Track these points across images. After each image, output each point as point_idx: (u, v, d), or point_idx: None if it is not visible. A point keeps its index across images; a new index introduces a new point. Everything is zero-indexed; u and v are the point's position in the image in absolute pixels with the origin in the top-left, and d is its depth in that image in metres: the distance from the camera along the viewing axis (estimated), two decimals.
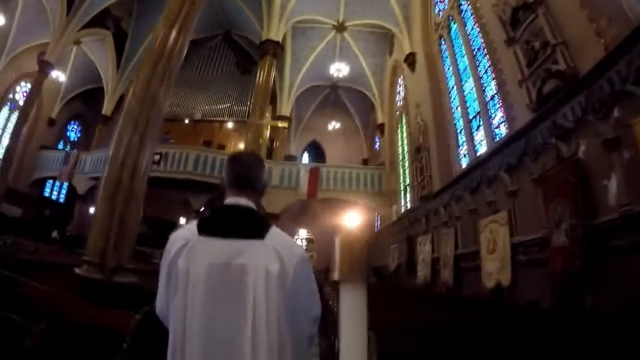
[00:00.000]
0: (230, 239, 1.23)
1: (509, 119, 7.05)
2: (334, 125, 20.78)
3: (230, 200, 1.35)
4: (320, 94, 21.62)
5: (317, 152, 22.92)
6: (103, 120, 19.30)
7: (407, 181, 13.91)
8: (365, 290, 0.73)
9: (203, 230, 1.26)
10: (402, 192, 14.42)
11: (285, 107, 18.30)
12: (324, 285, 9.81)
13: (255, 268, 1.19)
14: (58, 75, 17.46)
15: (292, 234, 19.27)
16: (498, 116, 7.84)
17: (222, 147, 18.21)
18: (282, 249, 1.24)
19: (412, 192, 12.27)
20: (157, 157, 14.95)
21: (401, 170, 14.92)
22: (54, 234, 15.99)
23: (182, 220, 17.32)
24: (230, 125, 19.58)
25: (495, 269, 6.35)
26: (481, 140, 8.54)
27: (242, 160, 1.46)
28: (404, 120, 15.13)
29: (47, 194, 19.88)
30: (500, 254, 6.30)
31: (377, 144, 20.33)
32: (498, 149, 7.03)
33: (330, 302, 4.39)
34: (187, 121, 19.47)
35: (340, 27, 17.15)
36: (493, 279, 6.35)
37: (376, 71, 18.59)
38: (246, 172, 1.41)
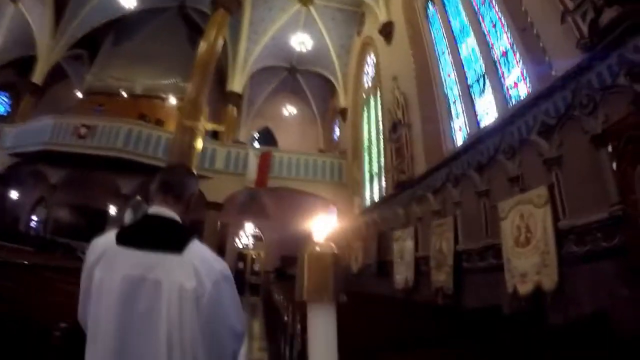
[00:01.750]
0: (147, 251, 1.15)
1: (537, 71, 5.32)
2: (290, 111, 18.63)
3: (152, 209, 1.28)
4: (277, 77, 19.58)
5: (269, 140, 20.50)
6: (32, 89, 15.94)
7: (375, 169, 12.08)
8: (335, 311, 0.67)
9: (121, 239, 1.18)
10: (368, 181, 12.55)
11: (238, 82, 15.78)
12: (272, 289, 8.23)
13: (169, 283, 1.12)
14: None
15: (237, 227, 16.74)
16: (514, 74, 6.14)
17: (160, 123, 15.32)
18: (201, 265, 1.16)
19: (386, 179, 10.41)
20: (83, 129, 12.13)
21: (367, 158, 13.08)
22: None
23: (113, 209, 14.75)
24: (174, 102, 16.75)
25: (531, 267, 4.49)
26: (487, 108, 6.81)
27: (169, 168, 1.53)
28: (372, 102, 13.38)
29: None
30: (540, 246, 4.46)
31: (336, 133, 18.51)
32: (522, 109, 5.28)
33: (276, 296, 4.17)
34: (124, 94, 16.47)
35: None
36: (529, 281, 4.48)
37: (341, 54, 16.69)
38: (172, 178, 1.35)
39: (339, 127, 17.43)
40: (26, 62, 16.84)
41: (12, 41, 16.31)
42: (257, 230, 17.70)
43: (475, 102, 7.23)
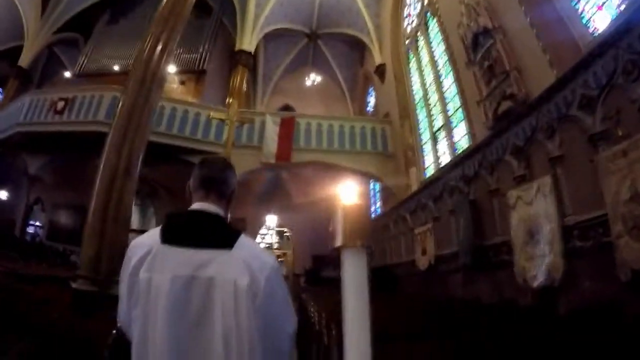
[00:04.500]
0: (196, 249, 1.10)
1: None
2: (312, 83, 15.58)
3: (195, 205, 1.22)
4: (296, 46, 16.70)
5: None
6: (17, 72, 14.35)
7: (438, 124, 8.77)
8: (366, 256, 0.71)
9: (166, 238, 1.13)
10: (428, 144, 9.25)
11: (248, 41, 12.74)
12: (304, 297, 7.34)
13: (222, 281, 1.07)
14: None
15: (257, 222, 13.73)
16: None
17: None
18: (252, 260, 1.11)
19: (470, 123, 7.06)
20: (60, 103, 10.38)
21: (423, 115, 9.79)
22: None
23: None
24: (174, 75, 14.01)
25: None
26: None
27: (209, 162, 1.33)
28: (420, 43, 10.15)
29: None
30: None
31: (370, 103, 15.31)
32: None
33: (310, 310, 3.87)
34: (117, 69, 14.03)
35: None
36: None
37: (370, 3, 13.58)
38: (213, 173, 1.29)
39: (375, 92, 14.17)
40: (21, 52, 15.01)
41: (3, 30, 14.97)
42: (281, 225, 14.63)
43: None
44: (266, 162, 9.85)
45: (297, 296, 11.69)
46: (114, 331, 1.96)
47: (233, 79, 11.51)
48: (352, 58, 16.51)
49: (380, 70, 12.73)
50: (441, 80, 8.77)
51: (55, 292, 3.86)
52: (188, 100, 12.03)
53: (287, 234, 15.29)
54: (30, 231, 15.26)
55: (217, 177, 1.26)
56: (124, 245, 3.74)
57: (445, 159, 8.26)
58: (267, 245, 14.86)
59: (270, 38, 15.67)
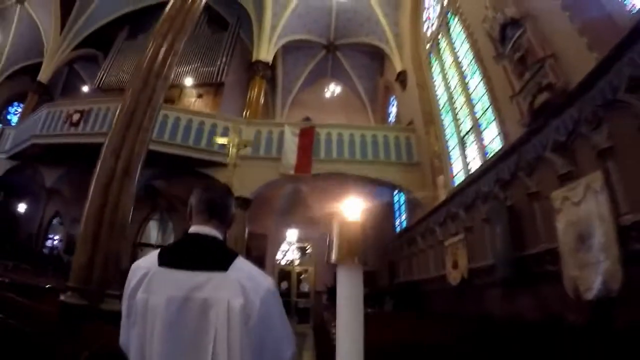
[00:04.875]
0: (191, 271, 1.13)
1: None
2: (332, 91, 15.33)
3: (193, 228, 1.27)
4: (314, 58, 16.59)
5: None
6: (37, 87, 14.76)
7: (467, 127, 8.24)
8: (362, 273, 0.71)
9: (163, 260, 1.16)
10: (456, 148, 8.69)
11: (265, 51, 12.64)
12: (322, 311, 7.32)
13: (216, 302, 1.09)
14: None
15: (278, 238, 13.34)
16: None
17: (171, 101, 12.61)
18: (247, 282, 1.13)
19: (502, 122, 6.50)
20: (76, 115, 10.55)
21: (448, 120, 9.28)
22: None
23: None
24: (192, 89, 14.08)
25: None
26: None
27: (212, 188, 1.39)
28: (442, 45, 9.72)
29: None
30: None
31: (392, 113, 14.90)
32: None
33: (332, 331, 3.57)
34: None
35: None
36: None
37: (388, 12, 13.31)
38: (217, 199, 1.33)
39: (397, 102, 13.74)
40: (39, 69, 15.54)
41: (22, 45, 15.48)
42: (302, 240, 14.16)
43: None
44: (285, 173, 9.51)
45: (318, 313, 11.18)
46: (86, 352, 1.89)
47: (251, 90, 11.35)
48: (371, 69, 16.33)
49: (401, 77, 12.33)
50: (466, 81, 8.29)
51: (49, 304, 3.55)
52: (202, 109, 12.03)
53: (309, 251, 14.81)
54: (49, 245, 15.44)
55: (220, 203, 1.30)
56: (120, 253, 3.43)
57: (475, 164, 7.69)
58: (288, 262, 14.43)
59: (288, 51, 15.69)
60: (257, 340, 1.09)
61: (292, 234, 12.06)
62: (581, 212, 3.96)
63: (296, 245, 13.52)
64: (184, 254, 1.17)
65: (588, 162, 4.17)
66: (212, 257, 1.17)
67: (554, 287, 4.44)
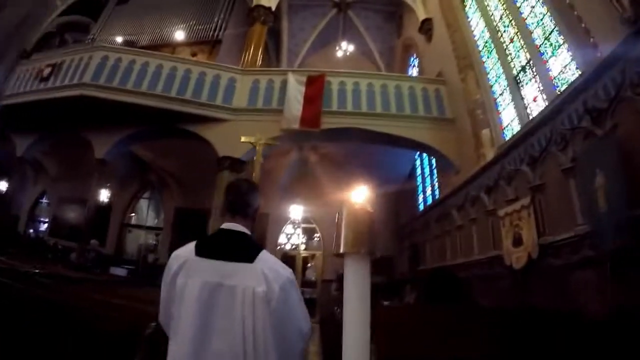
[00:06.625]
0: (223, 261, 1.37)
1: None
2: (344, 50, 13.46)
3: (225, 225, 1.50)
4: (323, 18, 14.71)
5: None
6: (21, 54, 12.49)
7: (522, 61, 6.28)
8: (369, 263, 0.68)
9: (199, 251, 1.40)
10: (509, 91, 6.72)
11: None
12: (331, 304, 6.67)
13: (243, 289, 1.32)
14: None
15: (280, 218, 11.57)
16: None
17: None
18: (269, 272, 1.36)
19: (572, 40, 4.53)
20: (47, 70, 8.99)
21: (491, 61, 7.33)
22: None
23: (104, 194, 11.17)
24: (185, 47, 12.23)
25: None
26: None
27: (235, 187, 1.62)
28: None
29: None
30: None
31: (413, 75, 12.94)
32: None
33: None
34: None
35: None
36: None
37: None
38: (238, 198, 1.55)
39: (419, 58, 11.75)
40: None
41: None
42: (308, 219, 12.30)
43: None
44: (288, 128, 7.62)
45: (326, 305, 9.38)
46: (153, 324, 2.22)
47: (249, 38, 9.40)
48: (386, 31, 14.59)
49: (426, 27, 10.40)
50: (518, 4, 6.39)
51: None
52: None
53: (317, 236, 12.97)
54: (34, 227, 14.01)
55: (240, 202, 1.54)
56: None
57: (537, 107, 5.76)
58: (293, 246, 12.60)
59: (295, 9, 13.83)
60: (277, 320, 1.33)
61: (296, 212, 10.22)
62: None
63: (302, 226, 11.61)
64: (217, 247, 1.43)
65: None
66: (240, 250, 1.41)
67: None
